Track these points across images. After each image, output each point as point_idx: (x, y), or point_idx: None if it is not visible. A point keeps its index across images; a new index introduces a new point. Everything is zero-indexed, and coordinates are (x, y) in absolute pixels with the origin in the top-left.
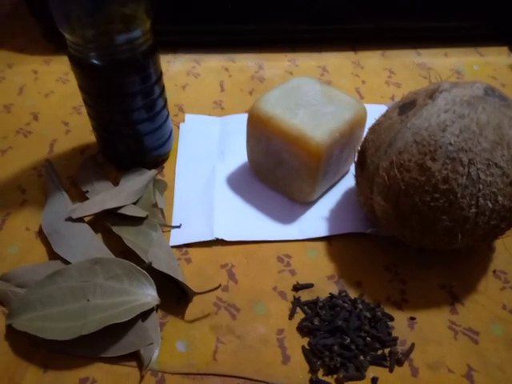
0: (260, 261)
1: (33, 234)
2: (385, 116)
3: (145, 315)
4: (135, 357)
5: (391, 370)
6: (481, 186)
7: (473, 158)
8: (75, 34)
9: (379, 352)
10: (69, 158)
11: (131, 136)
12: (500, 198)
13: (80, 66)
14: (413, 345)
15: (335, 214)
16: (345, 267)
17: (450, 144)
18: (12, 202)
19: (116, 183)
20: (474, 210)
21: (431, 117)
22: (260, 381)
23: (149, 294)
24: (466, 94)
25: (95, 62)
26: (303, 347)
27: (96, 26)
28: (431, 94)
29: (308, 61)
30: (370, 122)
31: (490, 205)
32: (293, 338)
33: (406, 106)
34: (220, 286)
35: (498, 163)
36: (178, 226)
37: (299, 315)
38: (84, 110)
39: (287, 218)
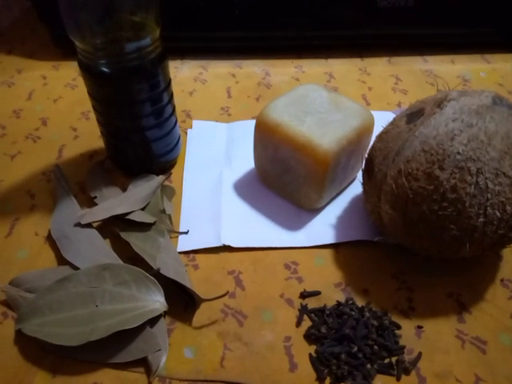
0: (267, 268)
1: (42, 238)
2: (392, 124)
3: (153, 321)
4: (143, 363)
5: (398, 379)
6: (489, 196)
7: (481, 168)
8: (85, 41)
9: (386, 361)
10: (77, 164)
11: (140, 142)
12: (508, 208)
13: (90, 73)
14: (420, 354)
15: (342, 222)
16: (352, 275)
17: (459, 153)
18: (21, 206)
19: (124, 189)
20: (482, 219)
21: (439, 126)
22: None
23: (157, 301)
24: (474, 103)
25: (105, 69)
26: (310, 355)
27: (106, 33)
28: (439, 103)
29: (314, 67)
30: (376, 129)
31: (498, 214)
32: (300, 345)
33: (414, 115)
34: (227, 292)
35: (507, 173)
36: (186, 232)
37: (306, 323)
38: (92, 115)
39: (294, 224)
